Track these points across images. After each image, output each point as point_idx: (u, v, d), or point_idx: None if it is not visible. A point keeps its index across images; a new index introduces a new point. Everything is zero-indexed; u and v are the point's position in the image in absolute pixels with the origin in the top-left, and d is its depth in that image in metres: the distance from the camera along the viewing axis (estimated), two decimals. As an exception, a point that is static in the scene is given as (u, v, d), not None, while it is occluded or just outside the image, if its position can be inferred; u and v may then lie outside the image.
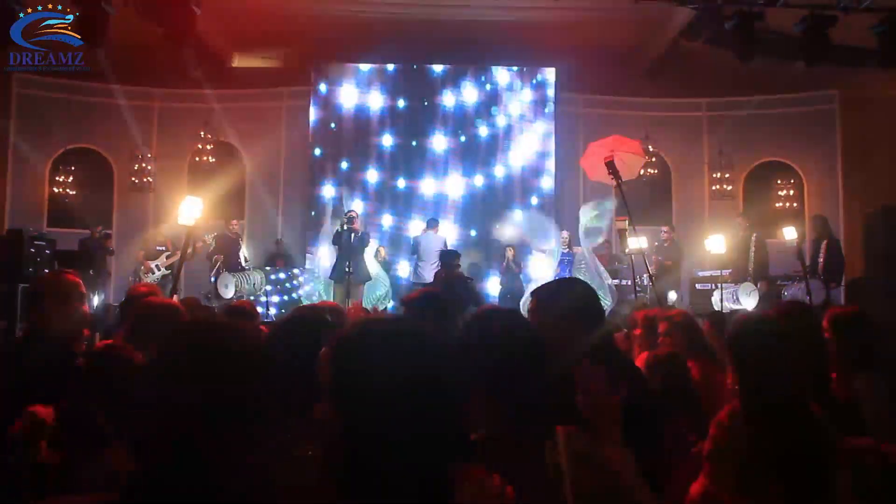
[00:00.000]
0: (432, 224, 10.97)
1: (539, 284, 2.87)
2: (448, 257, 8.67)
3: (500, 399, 1.77)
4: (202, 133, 12.92)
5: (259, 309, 10.37)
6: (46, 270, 9.78)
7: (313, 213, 12.88)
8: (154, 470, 1.16)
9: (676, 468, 2.57)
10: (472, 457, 1.51)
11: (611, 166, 7.67)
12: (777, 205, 13.27)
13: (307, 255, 12.33)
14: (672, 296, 10.58)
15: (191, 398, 1.17)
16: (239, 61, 12.41)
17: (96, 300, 10.26)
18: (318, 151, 13.16)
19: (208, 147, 13.02)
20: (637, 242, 9.95)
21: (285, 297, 11.26)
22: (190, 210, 5.68)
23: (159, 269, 10.34)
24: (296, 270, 11.60)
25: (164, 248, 10.52)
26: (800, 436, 2.28)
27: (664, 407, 2.75)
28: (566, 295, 2.40)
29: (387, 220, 12.94)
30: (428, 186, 13.07)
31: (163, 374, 1.20)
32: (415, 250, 10.71)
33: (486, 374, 1.78)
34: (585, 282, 2.65)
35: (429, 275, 10.48)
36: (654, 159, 12.96)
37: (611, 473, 1.71)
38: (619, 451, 1.76)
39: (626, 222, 10.54)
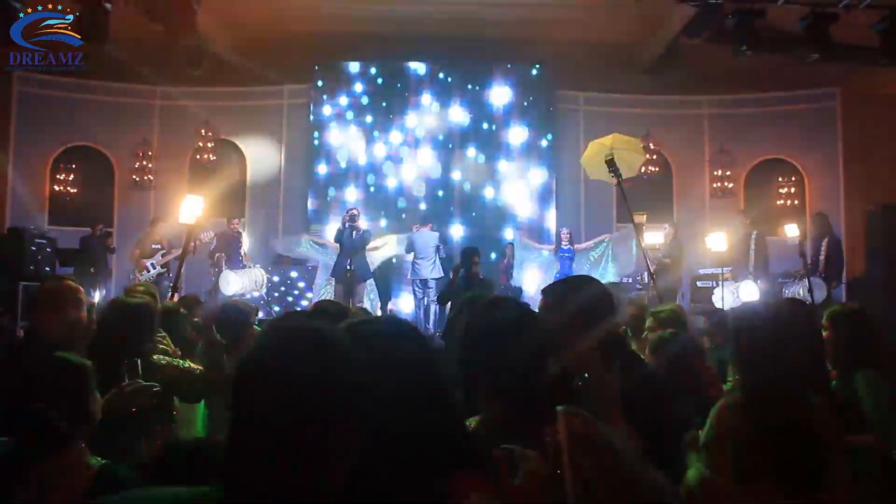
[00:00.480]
0: (425, 221, 11.02)
1: (551, 282, 2.87)
2: (468, 254, 8.57)
3: (500, 391, 1.76)
4: (203, 131, 12.92)
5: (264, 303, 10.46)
6: (48, 269, 9.83)
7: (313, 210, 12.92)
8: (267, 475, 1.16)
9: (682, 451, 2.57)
10: (477, 464, 1.50)
11: (611, 164, 7.64)
12: (778, 202, 13.25)
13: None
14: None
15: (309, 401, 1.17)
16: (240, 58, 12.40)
17: (97, 298, 10.27)
18: (318, 148, 13.16)
19: (209, 145, 13.02)
20: (653, 237, 9.94)
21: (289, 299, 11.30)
22: (191, 208, 5.68)
23: (154, 268, 10.32)
24: (294, 274, 11.58)
25: (159, 247, 10.49)
26: (797, 426, 2.29)
27: (669, 389, 2.74)
28: (578, 294, 2.40)
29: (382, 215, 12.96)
30: (425, 182, 13.06)
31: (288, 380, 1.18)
32: (410, 248, 10.74)
33: (486, 364, 1.77)
34: (598, 280, 2.64)
35: (426, 271, 10.52)
36: (654, 157, 12.95)
37: (610, 453, 1.71)
38: (619, 430, 1.77)
39: (645, 217, 10.57)
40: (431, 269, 10.54)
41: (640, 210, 10.91)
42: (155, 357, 3.20)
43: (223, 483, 1.20)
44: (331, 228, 11.75)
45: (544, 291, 2.48)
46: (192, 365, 3.41)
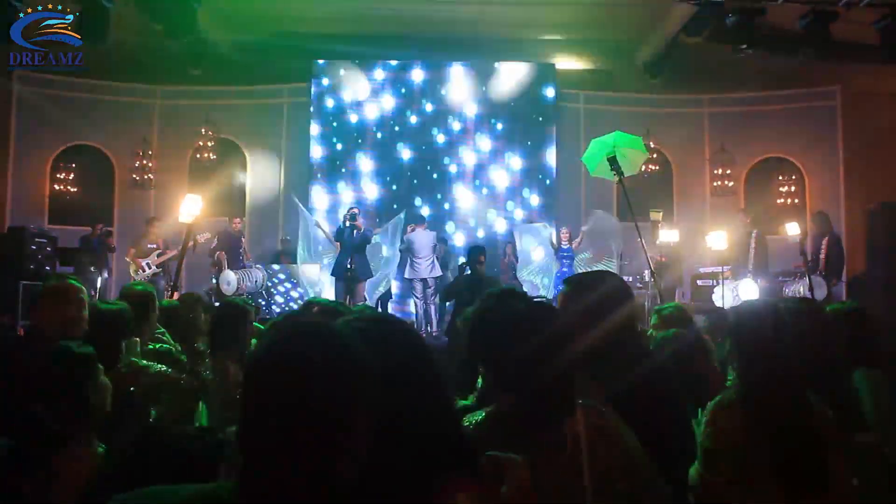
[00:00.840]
0: (420, 221, 11.06)
1: (571, 276, 2.89)
2: (474, 253, 8.53)
3: (510, 384, 1.76)
4: (203, 130, 12.91)
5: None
6: (48, 268, 9.84)
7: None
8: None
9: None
10: (470, 465, 1.51)
11: (612, 162, 7.63)
12: (778, 201, 13.25)
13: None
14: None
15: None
16: (240, 57, 12.39)
17: (97, 298, 10.28)
18: (318, 148, 13.15)
19: (209, 144, 13.02)
20: (668, 235, 9.92)
21: (291, 295, 11.30)
22: (190, 207, 5.69)
23: (150, 267, 10.31)
24: (276, 266, 11.57)
25: (154, 246, 10.49)
26: (796, 425, 2.29)
27: (670, 387, 2.76)
28: (595, 287, 2.41)
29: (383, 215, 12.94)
30: (425, 181, 13.05)
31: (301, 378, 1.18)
32: (409, 248, 10.78)
33: (496, 356, 1.76)
34: (616, 274, 2.66)
35: (424, 270, 10.57)
36: (655, 155, 12.94)
37: (623, 446, 1.73)
38: None
39: (661, 215, 10.55)
40: (430, 269, 10.58)
41: (655, 208, 10.92)
42: (123, 366, 3.18)
43: (237, 479, 1.20)
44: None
45: (564, 282, 2.51)
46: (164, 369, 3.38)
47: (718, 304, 9.66)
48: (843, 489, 2.30)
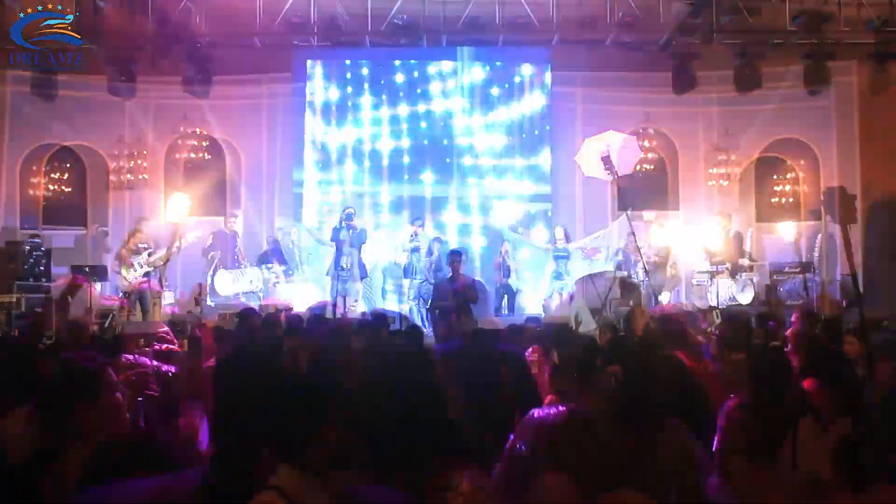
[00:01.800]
0: (415, 221, 11.11)
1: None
2: (451, 256, 8.72)
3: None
4: (194, 129, 12.87)
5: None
6: (41, 268, 9.84)
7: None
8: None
9: None
10: (466, 454, 1.53)
11: (607, 161, 7.67)
12: (774, 200, 13.29)
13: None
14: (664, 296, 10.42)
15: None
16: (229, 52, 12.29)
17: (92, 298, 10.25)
18: (309, 144, 13.07)
19: (204, 144, 12.97)
20: (660, 237, 9.96)
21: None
22: (177, 206, 5.69)
23: (142, 266, 10.24)
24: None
25: (145, 246, 10.44)
26: (783, 413, 2.35)
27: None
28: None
29: (377, 215, 12.93)
30: (420, 179, 12.99)
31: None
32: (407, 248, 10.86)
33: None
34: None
35: (420, 270, 10.70)
36: (651, 154, 12.95)
37: (697, 465, 1.77)
38: None
39: (654, 215, 10.58)
40: (427, 269, 10.68)
41: (650, 208, 10.94)
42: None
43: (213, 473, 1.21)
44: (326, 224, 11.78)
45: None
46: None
47: (714, 302, 9.70)
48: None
